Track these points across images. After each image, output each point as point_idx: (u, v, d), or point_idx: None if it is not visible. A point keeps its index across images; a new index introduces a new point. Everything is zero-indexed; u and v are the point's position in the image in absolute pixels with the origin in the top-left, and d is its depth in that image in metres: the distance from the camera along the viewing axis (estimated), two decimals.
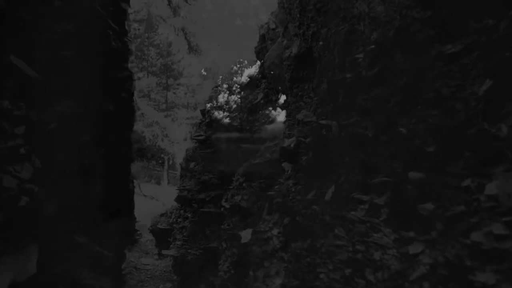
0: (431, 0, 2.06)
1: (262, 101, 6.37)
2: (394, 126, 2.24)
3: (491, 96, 1.66)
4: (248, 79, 6.97)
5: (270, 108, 6.25)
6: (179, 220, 7.90)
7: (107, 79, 3.84)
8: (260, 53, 6.81)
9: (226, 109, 6.95)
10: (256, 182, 4.92)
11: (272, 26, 6.33)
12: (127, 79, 4.71)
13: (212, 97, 7.33)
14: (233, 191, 5.41)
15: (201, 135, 7.06)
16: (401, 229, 2.02)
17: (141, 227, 10.37)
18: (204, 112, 7.42)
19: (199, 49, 16.82)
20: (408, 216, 1.99)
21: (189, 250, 6.88)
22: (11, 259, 2.11)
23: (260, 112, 6.42)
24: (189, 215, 7.24)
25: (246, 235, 3.98)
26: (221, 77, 8.04)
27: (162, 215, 9.52)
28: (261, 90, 6.54)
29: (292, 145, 3.90)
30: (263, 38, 6.77)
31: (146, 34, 17.38)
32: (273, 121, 6.10)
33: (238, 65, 7.47)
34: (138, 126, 14.94)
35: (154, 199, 14.39)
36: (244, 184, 5.13)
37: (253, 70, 7.01)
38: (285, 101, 5.34)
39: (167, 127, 16.18)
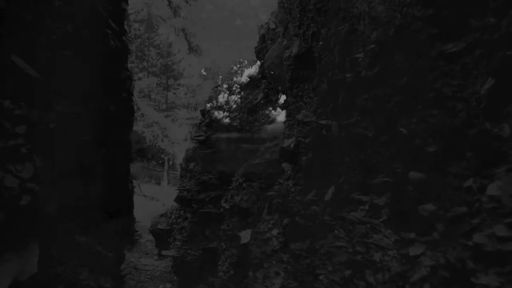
0: None
1: (262, 101, 6.36)
2: (394, 126, 2.22)
3: (493, 95, 1.64)
4: (248, 79, 6.96)
5: (270, 108, 6.24)
6: (178, 220, 7.89)
7: (107, 79, 3.84)
8: (260, 53, 6.80)
9: (226, 109, 6.93)
10: (256, 183, 4.91)
11: (272, 26, 6.31)
12: (127, 79, 4.71)
13: (212, 97, 7.32)
14: (232, 192, 5.40)
15: (201, 135, 7.05)
16: (402, 230, 2.00)
17: (141, 228, 10.37)
18: (204, 112, 7.42)
19: (199, 50, 16.83)
20: (409, 217, 1.97)
21: (189, 251, 6.86)
22: (12, 258, 2.11)
23: (260, 112, 6.40)
24: (188, 215, 7.23)
25: (245, 235, 3.96)
26: (221, 77, 8.03)
27: (162, 215, 9.51)
28: (261, 90, 6.52)
29: (291, 146, 3.88)
30: (263, 38, 6.76)
31: (147, 35, 17.39)
32: (273, 121, 6.09)
33: (238, 65, 7.47)
34: (138, 127, 14.94)
35: (154, 200, 14.38)
36: (243, 185, 5.11)
37: (253, 70, 7.00)
38: (285, 101, 5.32)
39: (167, 128, 16.17)
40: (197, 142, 7.28)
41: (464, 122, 1.78)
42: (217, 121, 6.88)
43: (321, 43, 3.81)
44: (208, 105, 7.31)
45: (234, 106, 6.90)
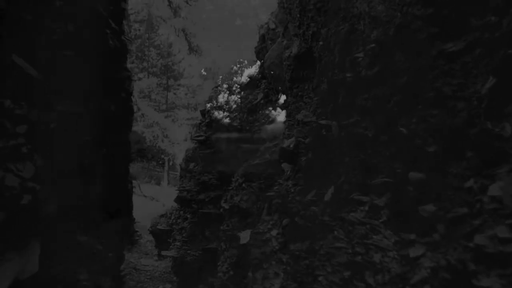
0: None
1: (262, 101, 6.35)
2: (394, 126, 2.20)
3: (494, 95, 1.62)
4: (248, 79, 6.95)
5: (270, 108, 6.22)
6: (178, 221, 7.87)
7: (106, 79, 3.84)
8: (260, 53, 6.79)
9: (226, 109, 6.92)
10: (256, 183, 4.89)
11: (272, 26, 6.31)
12: (126, 78, 4.71)
13: (212, 97, 7.31)
14: (232, 192, 5.38)
15: (201, 136, 7.04)
16: (402, 231, 1.98)
17: (141, 228, 10.36)
18: (204, 113, 7.41)
19: (200, 50, 16.84)
20: (409, 218, 1.95)
21: (189, 251, 6.85)
22: (13, 257, 2.12)
23: (260, 112, 6.39)
24: (188, 216, 7.22)
25: (245, 236, 3.94)
26: (221, 77, 8.03)
27: (161, 216, 9.50)
28: (261, 90, 6.51)
29: (291, 146, 3.86)
30: (263, 38, 6.75)
31: (147, 35, 17.41)
32: (273, 121, 6.07)
33: (238, 65, 7.46)
34: (138, 127, 14.94)
35: (154, 200, 14.37)
36: (243, 185, 5.09)
37: (253, 70, 6.99)
38: (285, 101, 5.31)
39: (167, 128, 16.17)
40: (197, 142, 7.27)
41: (464, 121, 1.76)
42: (217, 121, 6.87)
43: (321, 43, 3.80)
44: (208, 105, 7.30)
45: (234, 106, 6.89)
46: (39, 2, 2.67)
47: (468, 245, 1.56)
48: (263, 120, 6.20)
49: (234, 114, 6.78)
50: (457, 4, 1.90)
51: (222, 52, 18.10)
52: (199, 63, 18.05)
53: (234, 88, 7.10)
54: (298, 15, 4.53)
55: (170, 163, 17.47)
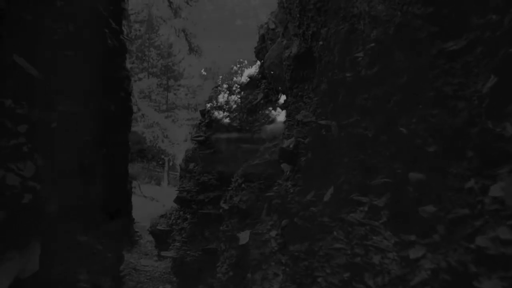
0: None
1: (262, 101, 6.33)
2: (394, 126, 2.18)
3: (495, 94, 1.60)
4: (248, 79, 6.94)
5: (270, 108, 6.20)
6: (178, 221, 7.86)
7: (106, 79, 3.84)
8: (260, 53, 6.78)
9: (226, 109, 6.91)
10: (255, 183, 4.87)
11: (272, 26, 6.29)
12: (125, 78, 4.70)
13: (212, 98, 7.30)
14: (232, 192, 5.36)
15: (201, 136, 7.03)
16: (402, 232, 1.96)
17: (141, 228, 10.35)
18: (203, 113, 7.40)
19: (200, 50, 16.85)
20: (409, 219, 1.93)
21: (188, 252, 6.83)
22: (14, 256, 2.12)
23: (260, 112, 6.37)
24: (188, 216, 7.20)
25: (244, 236, 3.92)
26: (221, 77, 8.01)
27: (161, 216, 9.49)
28: (261, 90, 6.50)
29: (291, 146, 3.84)
30: (262, 38, 6.74)
31: (147, 35, 17.42)
32: (273, 121, 6.05)
33: (238, 65, 7.44)
34: (138, 127, 14.94)
35: (154, 200, 14.36)
36: (243, 185, 5.08)
37: (253, 70, 6.97)
38: (285, 101, 5.29)
39: (167, 128, 16.17)
40: (196, 143, 7.26)
41: (465, 121, 1.74)
42: (217, 121, 6.86)
43: (321, 43, 3.78)
44: (208, 105, 7.29)
45: (234, 106, 6.88)
46: (40, 2, 2.67)
47: (469, 246, 1.54)
48: (263, 120, 6.19)
49: (234, 114, 6.77)
50: (458, 2, 1.89)
51: (222, 52, 18.10)
52: (199, 63, 18.06)
53: (234, 88, 7.09)
54: (298, 15, 4.51)
55: (170, 164, 17.46)
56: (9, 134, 2.17)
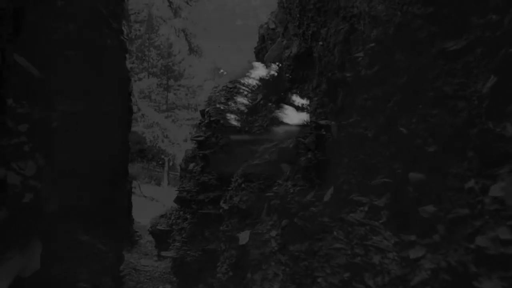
0: None
1: (261, 102, 6.33)
2: (394, 126, 2.18)
3: (495, 94, 1.60)
4: (248, 79, 6.94)
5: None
6: (178, 221, 7.85)
7: (106, 79, 3.83)
8: (259, 53, 6.78)
9: (226, 110, 6.91)
10: (255, 183, 4.86)
11: (272, 26, 6.29)
12: (125, 78, 4.70)
13: (212, 98, 7.29)
14: (232, 192, 5.35)
15: (200, 136, 7.02)
16: (402, 232, 1.96)
17: (141, 228, 10.34)
18: (203, 113, 7.39)
19: (200, 50, 16.85)
20: (409, 219, 1.93)
21: (188, 252, 6.82)
22: (15, 255, 2.13)
23: (260, 113, 6.37)
24: (188, 216, 7.19)
25: (244, 237, 3.92)
26: (220, 77, 8.01)
27: (161, 216, 9.48)
28: (260, 91, 6.49)
29: (291, 146, 3.84)
30: (262, 38, 6.74)
31: (147, 35, 17.42)
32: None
33: (238, 65, 7.43)
34: (138, 127, 14.94)
35: (154, 200, 14.36)
36: (243, 185, 5.07)
37: (253, 70, 6.97)
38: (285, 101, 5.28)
39: (167, 128, 16.17)
40: (196, 143, 7.26)
41: (465, 121, 1.74)
42: (217, 121, 6.85)
43: (320, 43, 3.78)
44: (208, 105, 7.28)
45: (234, 106, 6.87)
46: (41, 2, 2.67)
47: (469, 246, 1.54)
48: (262, 121, 6.18)
49: (234, 115, 6.77)
50: (458, 2, 1.88)
51: (222, 53, 18.10)
52: (199, 63, 18.05)
53: (234, 89, 7.08)
54: (298, 15, 4.51)
55: (170, 164, 17.45)
56: (10, 133, 2.18)
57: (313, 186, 3.02)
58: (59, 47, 2.91)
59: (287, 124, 5.35)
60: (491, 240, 1.43)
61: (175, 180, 16.10)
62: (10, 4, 1.84)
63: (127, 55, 4.82)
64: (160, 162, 17.79)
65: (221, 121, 6.80)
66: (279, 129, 5.48)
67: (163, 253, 8.06)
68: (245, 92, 6.92)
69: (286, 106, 5.44)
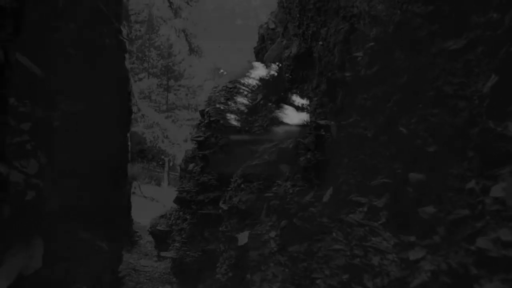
0: None
1: (261, 102, 6.31)
2: (394, 126, 2.16)
3: (496, 93, 1.58)
4: (248, 79, 6.92)
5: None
6: (178, 221, 7.84)
7: (106, 79, 3.82)
8: (259, 53, 6.77)
9: (226, 110, 6.89)
10: (255, 184, 4.84)
11: (272, 26, 6.28)
12: (125, 78, 4.69)
13: (211, 98, 7.28)
14: (231, 193, 5.34)
15: (200, 136, 7.01)
16: (401, 233, 1.93)
17: (141, 229, 10.33)
18: (203, 113, 7.38)
19: (200, 51, 16.85)
20: (409, 220, 1.90)
21: (188, 252, 6.80)
22: (17, 253, 2.14)
23: (260, 113, 6.35)
24: (188, 216, 7.18)
25: (242, 237, 3.90)
26: (220, 77, 8.00)
27: (161, 216, 9.46)
28: (260, 91, 6.48)
29: (290, 146, 3.82)
30: (262, 38, 6.73)
31: (147, 36, 17.43)
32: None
33: (238, 65, 7.42)
34: (138, 128, 14.94)
35: (154, 201, 14.35)
36: (242, 186, 5.05)
37: (253, 70, 6.95)
38: (284, 101, 5.26)
39: (167, 129, 16.17)
40: (196, 143, 7.24)
41: (466, 121, 1.71)
42: (216, 121, 6.83)
43: (320, 42, 3.76)
44: (208, 106, 7.27)
45: (234, 106, 6.86)
46: (41, 2, 2.66)
47: (469, 248, 1.52)
48: (262, 121, 6.16)
49: (234, 115, 6.75)
50: (458, 1, 1.86)
51: (222, 53, 18.12)
52: (199, 63, 18.05)
53: (233, 89, 7.07)
54: (297, 15, 4.50)
55: (171, 164, 17.45)
56: (12, 132, 2.19)
57: (313, 186, 3.00)
58: (60, 46, 2.90)
59: (287, 124, 5.32)
60: (492, 241, 1.41)
61: (175, 181, 16.08)
62: (10, 4, 1.83)
63: (126, 55, 4.81)
64: (160, 163, 17.80)
65: (221, 121, 6.78)
66: (279, 129, 5.45)
67: (163, 254, 8.04)
68: (245, 92, 6.91)
69: (286, 106, 5.42)
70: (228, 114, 6.91)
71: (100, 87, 3.66)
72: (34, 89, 2.42)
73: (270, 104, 6.17)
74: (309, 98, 4.34)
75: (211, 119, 6.95)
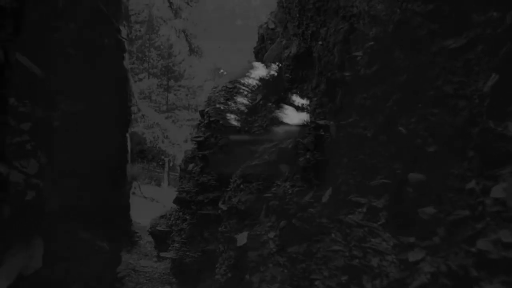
0: None
1: (261, 102, 6.30)
2: (394, 126, 2.15)
3: (496, 93, 1.56)
4: (248, 79, 6.91)
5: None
6: (177, 222, 7.83)
7: (106, 79, 3.82)
8: (259, 53, 6.76)
9: (226, 110, 6.88)
10: (254, 184, 4.83)
11: (271, 26, 6.27)
12: (124, 78, 4.69)
13: (211, 98, 7.27)
14: (230, 193, 5.32)
15: (200, 136, 7.00)
16: (401, 234, 1.91)
17: (141, 229, 10.32)
18: (203, 113, 7.37)
19: (200, 51, 16.86)
20: (408, 220, 1.89)
21: (188, 253, 6.79)
22: (17, 253, 2.13)
23: (259, 113, 6.34)
24: (187, 217, 7.17)
25: (241, 238, 3.88)
26: (221, 78, 7.99)
27: (161, 217, 9.45)
28: (260, 91, 6.46)
29: (290, 146, 3.81)
30: (262, 38, 6.72)
31: (147, 36, 17.44)
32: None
33: (238, 66, 7.41)
34: (138, 128, 14.95)
35: (154, 201, 14.35)
36: (241, 186, 5.04)
37: (253, 70, 6.94)
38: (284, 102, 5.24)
39: (167, 129, 16.17)
40: (196, 143, 7.23)
41: (466, 120, 1.70)
42: (216, 122, 6.82)
43: (320, 42, 3.75)
44: (207, 106, 7.26)
45: (234, 106, 6.84)
46: (41, 1, 2.66)
47: (470, 249, 1.50)
48: (262, 121, 6.15)
49: (234, 115, 6.74)
50: (458, 0, 1.85)
51: (222, 53, 18.12)
52: (199, 64, 18.06)
53: (233, 89, 7.06)
54: (297, 15, 4.49)
55: (171, 164, 17.45)
56: (12, 132, 2.18)
57: (312, 186, 2.98)
58: (60, 46, 2.90)
59: (287, 124, 5.31)
60: (492, 243, 1.39)
61: (175, 181, 16.07)
62: (10, 4, 1.83)
63: (125, 55, 4.81)
64: (160, 163, 17.80)
65: (221, 122, 6.77)
66: (279, 129, 5.44)
67: (162, 254, 8.03)
68: (245, 92, 6.90)
69: (286, 106, 5.41)
70: (228, 114, 6.90)
71: (99, 87, 3.66)
72: (34, 89, 2.42)
73: (269, 104, 6.16)
74: (308, 98, 4.33)
75: (211, 119, 6.94)
